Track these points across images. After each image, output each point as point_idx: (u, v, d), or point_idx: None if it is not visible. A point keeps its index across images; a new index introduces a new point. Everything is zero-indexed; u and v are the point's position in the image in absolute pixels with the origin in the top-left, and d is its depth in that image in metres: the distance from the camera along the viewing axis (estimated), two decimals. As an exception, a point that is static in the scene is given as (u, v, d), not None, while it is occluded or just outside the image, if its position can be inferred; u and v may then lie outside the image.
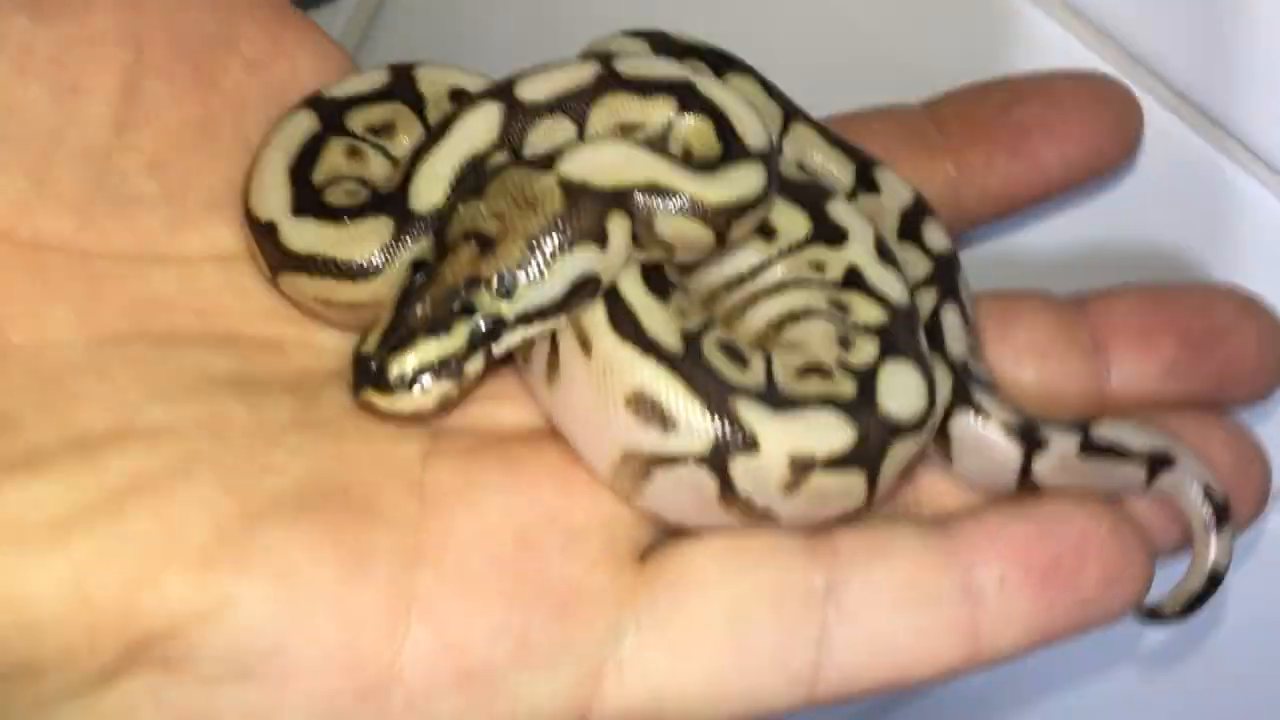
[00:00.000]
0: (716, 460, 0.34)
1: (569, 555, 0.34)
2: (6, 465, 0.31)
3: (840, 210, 0.40)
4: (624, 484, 0.35)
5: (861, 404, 0.35)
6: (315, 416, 0.35)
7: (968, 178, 0.45)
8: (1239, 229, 0.47)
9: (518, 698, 0.33)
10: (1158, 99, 0.46)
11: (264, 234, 0.36)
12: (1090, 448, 0.38)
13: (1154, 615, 0.39)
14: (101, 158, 0.36)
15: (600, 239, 0.35)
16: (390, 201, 0.36)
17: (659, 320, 0.35)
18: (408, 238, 0.36)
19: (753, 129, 0.37)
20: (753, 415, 0.34)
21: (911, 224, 0.42)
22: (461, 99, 0.39)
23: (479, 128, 0.37)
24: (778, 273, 0.39)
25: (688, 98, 0.38)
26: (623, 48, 0.42)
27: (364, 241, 0.36)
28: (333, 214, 0.36)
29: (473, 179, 0.36)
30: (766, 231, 0.39)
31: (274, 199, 0.36)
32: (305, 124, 0.38)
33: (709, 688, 0.34)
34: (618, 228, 0.35)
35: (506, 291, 0.34)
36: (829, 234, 0.39)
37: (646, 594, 0.34)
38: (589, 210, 0.34)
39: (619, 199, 0.35)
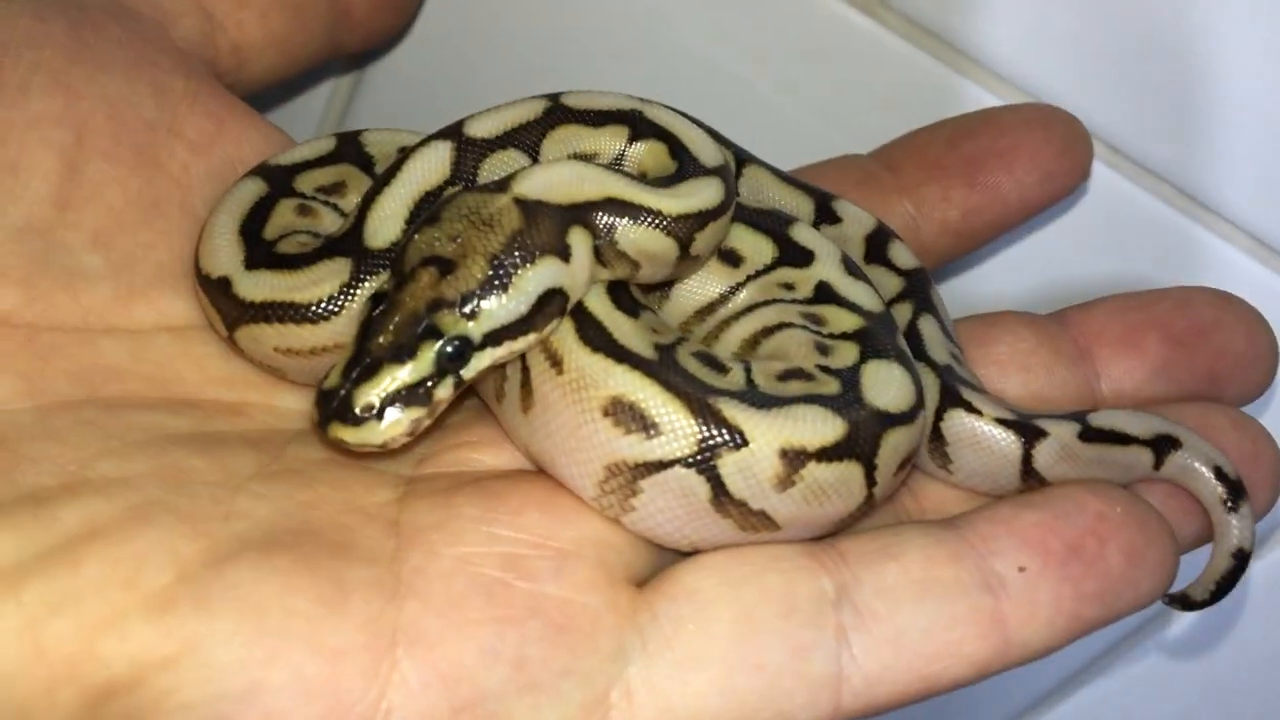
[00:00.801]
0: (705, 460, 0.32)
1: (561, 577, 0.32)
2: None
3: (804, 234, 0.39)
4: (612, 503, 0.33)
5: (848, 398, 0.34)
6: (282, 467, 0.33)
7: (926, 214, 0.45)
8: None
9: None
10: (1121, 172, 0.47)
11: (218, 290, 0.35)
12: (1091, 435, 0.37)
13: (1184, 601, 0.37)
14: (45, 233, 0.35)
15: (562, 252, 0.34)
16: (345, 242, 0.35)
17: (629, 332, 0.34)
18: (366, 275, 0.35)
19: (706, 148, 0.37)
20: (738, 412, 0.32)
21: (877, 247, 0.41)
22: None
23: (430, 165, 0.36)
24: (745, 297, 0.38)
25: (638, 124, 0.37)
26: None
27: (322, 283, 0.35)
28: (288, 261, 0.35)
29: (427, 213, 0.35)
30: (732, 259, 0.38)
31: (225, 256, 0.36)
32: (253, 189, 0.37)
33: (726, 703, 0.32)
34: (579, 241, 0.34)
35: (471, 312, 0.32)
36: (795, 257, 0.38)
37: (648, 614, 0.32)
38: (548, 225, 0.33)
39: (578, 214, 0.34)
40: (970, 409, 0.37)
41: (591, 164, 0.36)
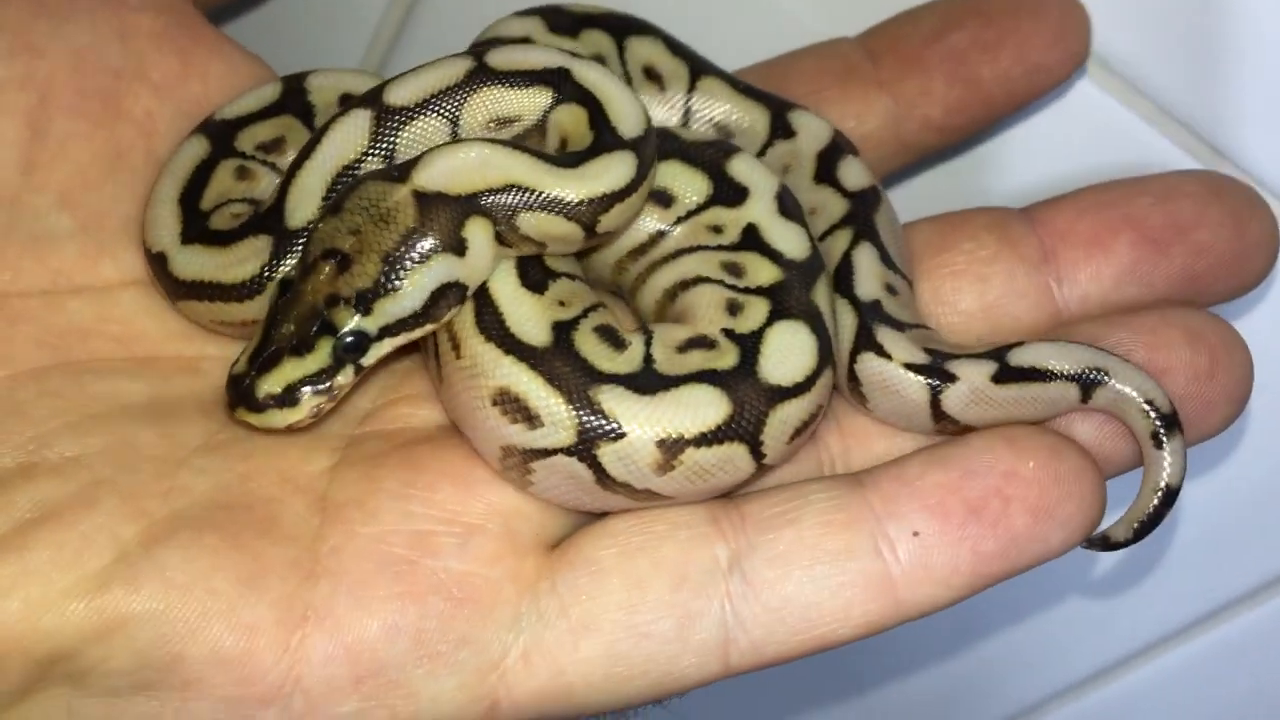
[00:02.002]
0: (584, 450, 0.34)
1: (465, 553, 0.35)
2: None
3: (741, 167, 0.39)
4: (513, 476, 0.35)
5: (739, 374, 0.35)
6: (226, 437, 0.36)
7: (906, 111, 0.44)
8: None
9: (419, 693, 0.34)
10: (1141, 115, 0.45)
11: (158, 264, 0.37)
12: (1007, 375, 0.36)
13: (1104, 543, 0.38)
14: (11, 200, 0.37)
15: (458, 247, 0.35)
16: (268, 219, 0.37)
17: (526, 315, 0.35)
18: (284, 255, 0.36)
19: (627, 115, 0.37)
20: (615, 402, 0.34)
21: (827, 165, 0.41)
22: (350, 100, 0.39)
23: (349, 137, 0.37)
24: (675, 239, 0.39)
25: (562, 85, 0.37)
26: (512, 30, 0.41)
27: (246, 263, 0.37)
28: (217, 238, 0.37)
29: (332, 200, 0.36)
30: (663, 199, 0.39)
31: (164, 230, 0.38)
32: (196, 150, 0.39)
33: (611, 667, 0.34)
34: (478, 232, 0.35)
35: (366, 309, 0.34)
36: (728, 194, 0.39)
37: (547, 583, 0.35)
38: (444, 220, 0.35)
39: (476, 203, 0.35)
40: (880, 352, 0.37)
41: (497, 144, 0.36)
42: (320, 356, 0.34)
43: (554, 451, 0.34)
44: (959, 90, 0.43)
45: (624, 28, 0.43)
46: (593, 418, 0.34)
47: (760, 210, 0.38)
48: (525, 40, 0.41)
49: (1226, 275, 0.40)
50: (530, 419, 0.34)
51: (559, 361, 0.34)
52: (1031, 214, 0.41)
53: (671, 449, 0.34)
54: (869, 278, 0.39)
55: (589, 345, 0.35)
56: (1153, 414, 0.36)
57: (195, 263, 0.37)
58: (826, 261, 0.39)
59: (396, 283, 0.34)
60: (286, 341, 0.34)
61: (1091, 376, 0.36)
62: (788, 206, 0.39)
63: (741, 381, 0.35)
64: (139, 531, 0.34)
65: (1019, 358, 0.37)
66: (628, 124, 0.37)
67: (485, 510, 0.35)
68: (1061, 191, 0.42)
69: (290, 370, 0.34)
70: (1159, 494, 0.37)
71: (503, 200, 0.35)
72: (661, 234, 0.39)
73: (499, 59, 0.38)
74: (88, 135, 0.38)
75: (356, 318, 0.34)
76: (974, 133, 0.45)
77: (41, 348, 0.37)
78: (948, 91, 0.43)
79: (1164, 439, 0.36)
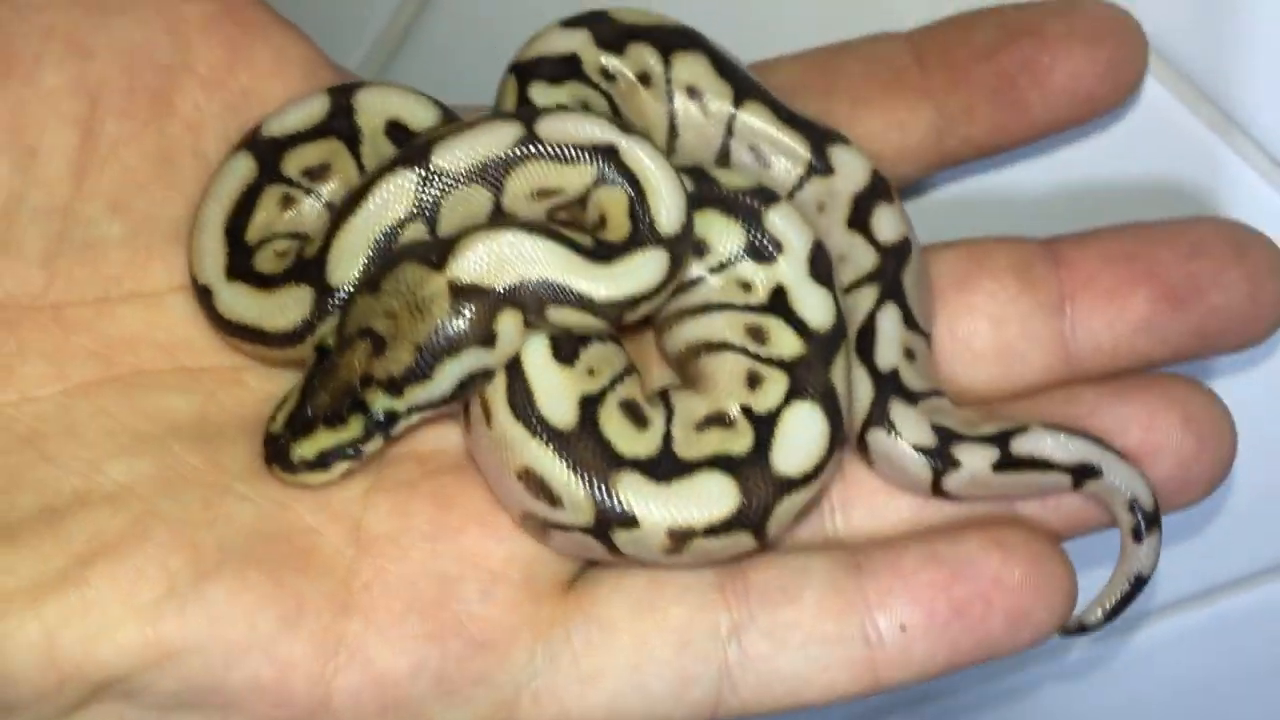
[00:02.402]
0: (600, 531, 0.37)
1: (488, 597, 0.38)
2: None
3: (778, 220, 0.40)
4: (531, 534, 0.38)
5: (752, 462, 0.37)
6: None
7: (949, 125, 0.44)
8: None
9: None
10: (1157, 77, 0.44)
11: (203, 297, 0.39)
12: (1008, 464, 0.39)
13: (1079, 628, 0.41)
14: (64, 210, 0.39)
15: (488, 340, 0.37)
16: (311, 269, 0.38)
17: (555, 392, 0.37)
18: (324, 312, 0.38)
19: (668, 207, 0.38)
20: (633, 492, 0.37)
21: (862, 212, 0.42)
22: (397, 135, 0.40)
23: (393, 199, 0.38)
24: (706, 291, 0.40)
25: (608, 165, 0.38)
26: (556, 46, 0.41)
27: (287, 312, 0.38)
28: (261, 280, 0.39)
29: (383, 255, 0.38)
30: (699, 248, 0.40)
31: (210, 261, 0.39)
32: (243, 171, 0.40)
33: (611, 715, 0.38)
34: (508, 323, 0.37)
35: (397, 392, 0.36)
36: (762, 248, 0.40)
37: (562, 630, 0.38)
38: (477, 314, 0.36)
39: (509, 296, 0.37)
40: (891, 429, 0.39)
41: (535, 231, 0.37)
42: (352, 430, 0.37)
43: (572, 528, 0.37)
44: (1004, 113, 0.43)
45: (671, 43, 0.42)
46: (610, 506, 0.37)
47: (791, 271, 0.40)
48: (571, 57, 0.41)
49: (1237, 334, 0.41)
50: (552, 499, 0.37)
51: (583, 446, 0.37)
52: (1056, 253, 0.42)
53: (681, 537, 0.37)
54: (890, 344, 0.40)
55: (613, 424, 0.38)
56: (1137, 511, 0.39)
57: (239, 304, 0.38)
58: (850, 317, 0.41)
59: (427, 371, 0.36)
60: (321, 412, 0.36)
61: (1086, 470, 0.39)
62: (819, 268, 0.40)
63: (753, 471, 0.37)
64: (187, 564, 0.37)
65: (1020, 446, 0.39)
66: (667, 217, 0.38)
67: (508, 556, 0.38)
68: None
69: (323, 439, 0.36)
70: (1131, 582, 0.40)
71: (534, 293, 0.37)
72: (694, 282, 0.40)
73: (548, 129, 0.38)
74: (137, 136, 0.39)
75: (388, 399, 0.36)
76: (1010, 150, 0.45)
77: (94, 359, 0.38)
78: (993, 113, 0.43)
79: (1144, 535, 0.39)
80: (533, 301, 0.37)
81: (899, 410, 0.40)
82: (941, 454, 0.39)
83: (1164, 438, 0.40)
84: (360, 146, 0.40)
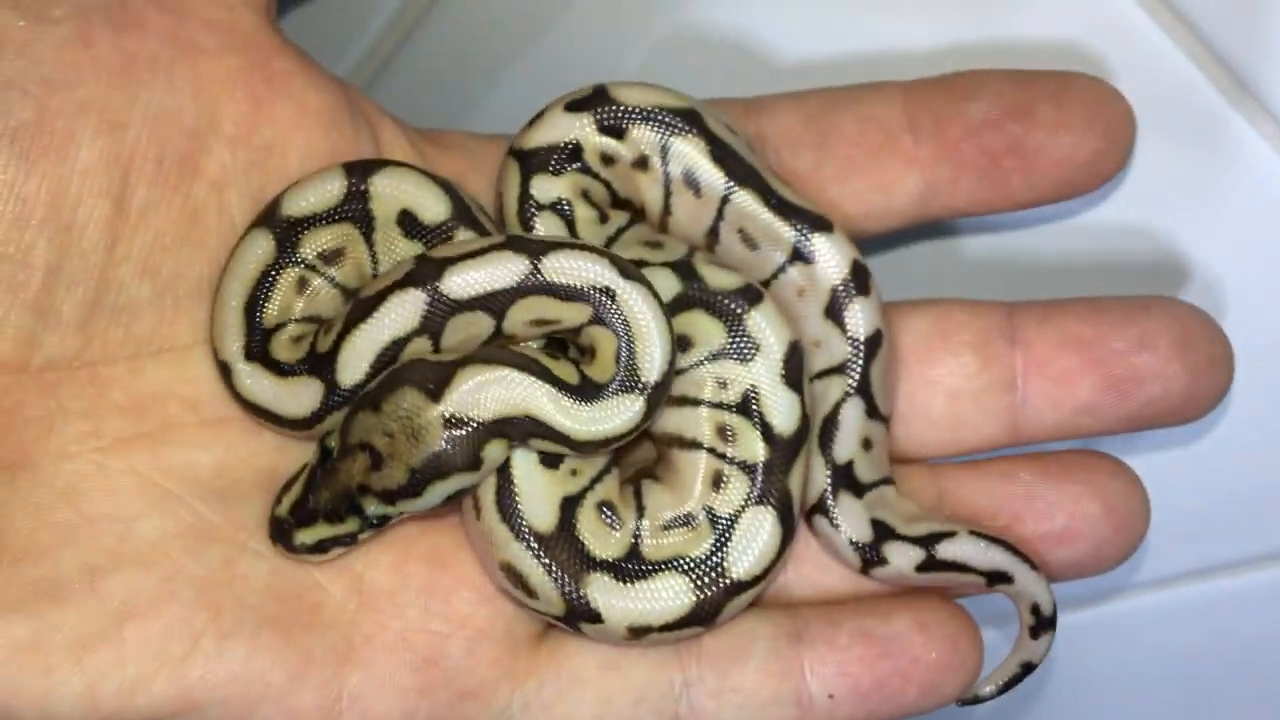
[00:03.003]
0: (569, 621, 0.42)
1: (472, 656, 0.43)
2: (33, 596, 0.41)
3: (759, 321, 0.43)
4: (510, 601, 0.44)
5: (708, 566, 0.42)
6: None
7: (934, 193, 0.46)
8: (1243, 189, 0.47)
9: None
10: (1180, 45, 0.45)
11: (222, 371, 0.43)
12: (930, 566, 0.44)
13: (973, 700, 0.47)
14: (98, 277, 0.41)
15: (474, 466, 0.41)
16: (323, 365, 0.42)
17: (538, 495, 0.42)
18: (332, 407, 0.42)
19: (653, 358, 0.41)
20: (600, 593, 0.42)
21: (839, 303, 0.45)
22: (409, 225, 0.43)
23: (402, 315, 0.41)
24: (687, 383, 0.43)
25: (603, 309, 0.41)
26: (559, 131, 0.43)
27: (300, 400, 0.42)
28: (276, 368, 0.42)
29: (387, 362, 0.41)
30: (683, 343, 0.43)
31: (230, 341, 0.42)
32: (262, 251, 0.42)
33: None
34: (494, 449, 0.41)
35: (390, 502, 0.41)
36: (740, 349, 0.43)
37: (535, 681, 0.44)
38: (466, 446, 0.40)
39: (496, 429, 0.41)
40: (833, 522, 0.44)
41: (525, 369, 0.41)
42: (349, 526, 0.41)
43: (545, 615, 0.43)
44: (988, 190, 0.45)
45: (671, 127, 0.44)
46: (578, 604, 0.42)
47: (764, 373, 0.43)
48: (573, 145, 0.44)
49: (1171, 418, 0.45)
50: (529, 592, 0.42)
51: (559, 549, 0.42)
52: (1016, 329, 0.45)
53: (639, 632, 0.42)
54: (849, 437, 0.44)
55: (589, 525, 0.42)
56: (1038, 614, 0.44)
57: (255, 386, 0.42)
58: (816, 403, 0.44)
59: (418, 491, 0.41)
60: (322, 508, 0.41)
61: (1000, 575, 0.44)
62: (792, 370, 0.43)
63: (708, 574, 0.42)
64: (210, 622, 0.41)
65: (945, 551, 0.44)
66: (650, 367, 0.41)
67: (492, 615, 0.43)
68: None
69: (323, 531, 0.41)
70: (1022, 666, 0.46)
71: (519, 427, 0.41)
72: (681, 370, 0.43)
73: (553, 267, 0.41)
74: (166, 201, 0.41)
75: (381, 507, 0.41)
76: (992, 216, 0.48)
77: (125, 416, 0.42)
78: (976, 187, 0.45)
79: (1040, 634, 0.45)
80: (517, 433, 0.41)
81: (844, 503, 0.44)
82: (874, 549, 0.44)
83: (1086, 525, 0.45)
84: (374, 234, 0.43)
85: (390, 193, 0.43)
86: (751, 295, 0.43)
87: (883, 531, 0.44)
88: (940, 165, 0.45)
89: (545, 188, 0.44)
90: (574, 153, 0.44)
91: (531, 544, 0.42)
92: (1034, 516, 0.45)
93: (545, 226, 0.44)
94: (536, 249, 0.41)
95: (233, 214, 0.43)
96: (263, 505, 0.43)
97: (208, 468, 0.43)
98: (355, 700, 0.43)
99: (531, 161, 0.44)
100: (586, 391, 0.41)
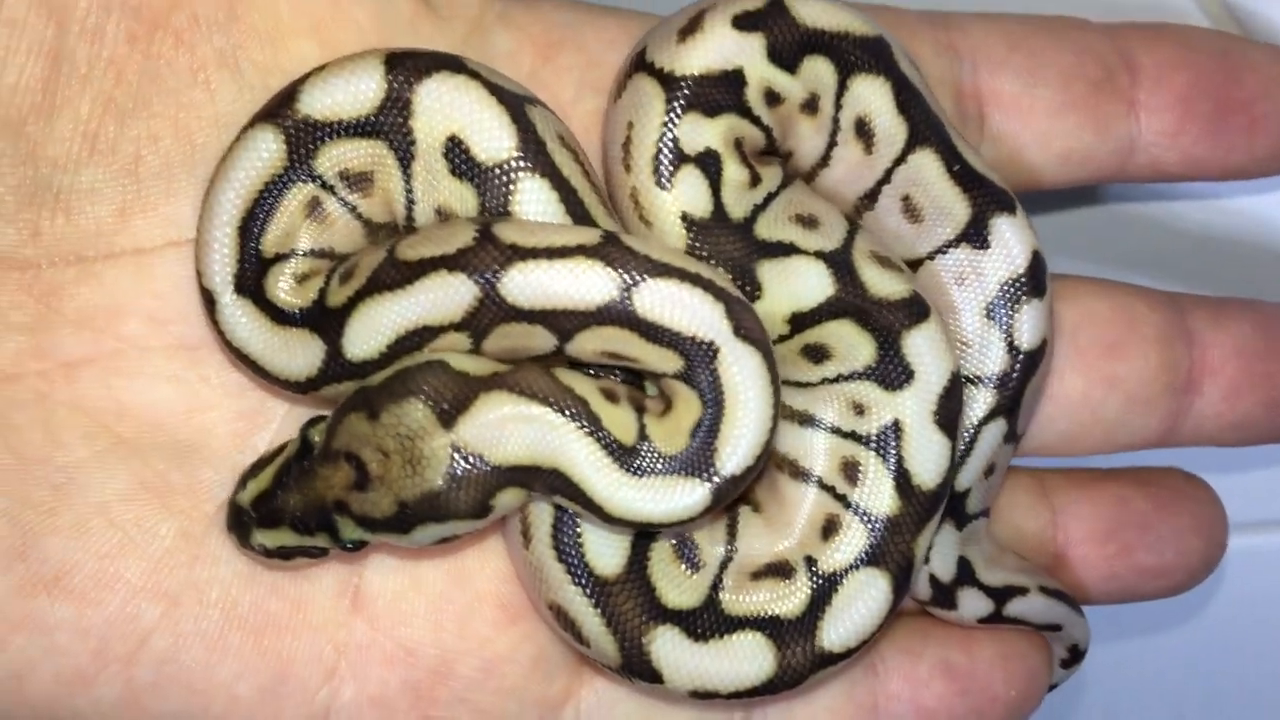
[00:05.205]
0: (624, 675, 0.34)
1: (487, 685, 0.35)
2: None
3: (918, 344, 0.34)
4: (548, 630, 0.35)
5: (798, 630, 0.34)
6: None
7: (1147, 145, 0.38)
8: None
9: None
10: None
11: (206, 300, 0.33)
12: (994, 619, 0.38)
13: None
14: (34, 155, 0.32)
15: (479, 514, 0.31)
16: (329, 324, 0.32)
17: (608, 536, 0.33)
18: (333, 376, 0.32)
19: (737, 446, 0.32)
20: (665, 650, 0.33)
21: (1009, 302, 0.36)
22: (457, 158, 0.32)
23: (442, 302, 0.31)
24: (811, 398, 0.34)
25: (696, 366, 0.31)
26: (725, 51, 0.33)
27: (294, 360, 0.32)
28: (272, 311, 0.32)
29: (408, 348, 0.31)
30: (816, 354, 0.34)
31: (218, 267, 0.32)
32: (268, 156, 0.32)
33: None
34: (507, 498, 0.31)
35: (370, 529, 0.31)
36: (889, 373, 0.34)
37: (571, 707, 0.36)
38: (472, 489, 0.31)
39: (515, 475, 0.31)
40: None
41: (566, 413, 0.31)
42: (317, 541, 0.32)
43: (596, 662, 0.34)
44: (1206, 148, 0.38)
45: (854, 61, 0.33)
46: (639, 660, 0.34)
47: (914, 408, 0.34)
48: (735, 74, 0.33)
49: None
50: (581, 639, 0.34)
51: (624, 595, 0.33)
52: (1189, 326, 0.39)
53: (703, 697, 0.34)
54: (977, 463, 0.37)
55: (662, 563, 0.34)
56: (1073, 651, 0.41)
57: (243, 328, 0.32)
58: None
59: (405, 529, 0.31)
60: (290, 513, 0.32)
61: (1051, 627, 0.39)
62: (948, 411, 0.34)
63: (796, 640, 0.34)
64: (163, 616, 0.33)
65: (1013, 609, 0.39)
66: (732, 456, 0.32)
67: (517, 640, 0.35)
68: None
69: (286, 538, 0.32)
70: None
71: (543, 479, 0.31)
72: (803, 385, 0.34)
73: (650, 299, 0.31)
74: (118, 60, 0.32)
75: (359, 532, 0.32)
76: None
77: (75, 332, 0.33)
78: (1195, 145, 0.38)
79: (1070, 666, 0.41)
80: (540, 486, 0.32)
81: (944, 534, 0.37)
82: (950, 591, 0.38)
83: (1187, 560, 0.41)
84: (412, 162, 0.32)
85: (440, 110, 0.32)
86: (917, 311, 0.34)
87: (965, 573, 0.38)
88: (1165, 113, 0.37)
89: (695, 132, 0.33)
90: (735, 85, 0.33)
91: (589, 590, 0.33)
92: (1144, 549, 0.40)
93: (682, 188, 0.33)
94: (635, 269, 0.31)
95: (208, 78, 0.32)
96: (236, 469, 0.34)
97: (172, 409, 0.34)
98: (347, 716, 0.35)
99: (682, 92, 0.33)
100: (639, 459, 0.31)
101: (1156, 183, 0.41)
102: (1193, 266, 0.44)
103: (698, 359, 0.31)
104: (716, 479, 0.32)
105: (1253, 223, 0.44)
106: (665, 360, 0.31)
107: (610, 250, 0.31)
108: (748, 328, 0.31)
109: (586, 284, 0.31)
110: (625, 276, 0.31)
